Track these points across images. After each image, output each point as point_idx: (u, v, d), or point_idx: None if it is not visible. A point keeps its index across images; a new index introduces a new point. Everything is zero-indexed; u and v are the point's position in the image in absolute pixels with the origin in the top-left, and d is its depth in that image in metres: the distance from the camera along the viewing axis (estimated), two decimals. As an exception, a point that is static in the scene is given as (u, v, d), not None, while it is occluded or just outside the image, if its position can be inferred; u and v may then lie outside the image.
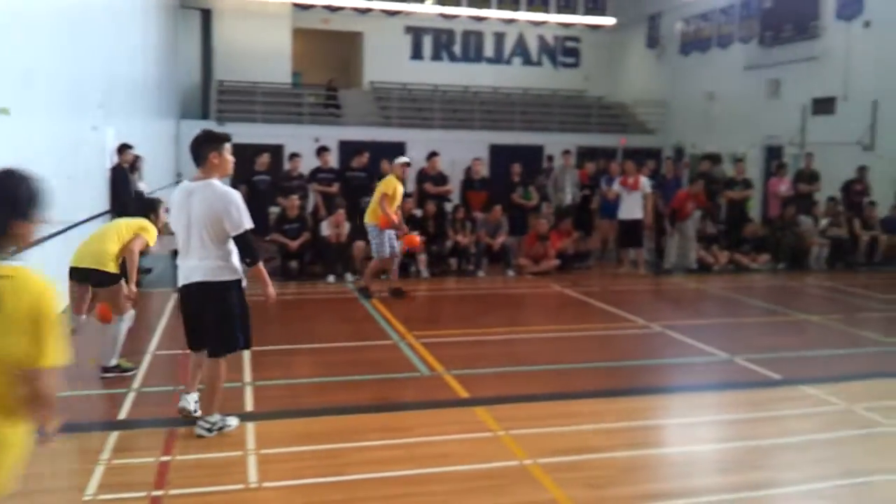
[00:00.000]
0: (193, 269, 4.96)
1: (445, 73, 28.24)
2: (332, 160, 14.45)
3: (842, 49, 18.83)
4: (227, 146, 5.05)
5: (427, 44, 28.68)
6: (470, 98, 27.17)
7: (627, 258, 13.15)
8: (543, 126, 25.62)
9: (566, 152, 14.99)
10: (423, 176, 13.12)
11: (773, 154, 20.80)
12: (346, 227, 11.53)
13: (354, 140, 22.04)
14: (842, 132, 18.42)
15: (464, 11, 28.05)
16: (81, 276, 6.36)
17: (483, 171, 13.58)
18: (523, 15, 28.69)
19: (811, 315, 9.67)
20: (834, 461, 4.89)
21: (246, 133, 19.10)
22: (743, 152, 20.05)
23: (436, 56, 28.82)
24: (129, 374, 6.42)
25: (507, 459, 4.77)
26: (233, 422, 5.18)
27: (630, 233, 12.84)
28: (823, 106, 19.47)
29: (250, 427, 5.24)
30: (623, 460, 4.82)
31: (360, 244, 11.43)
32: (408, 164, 10.31)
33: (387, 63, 27.71)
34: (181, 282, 5.06)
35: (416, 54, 28.58)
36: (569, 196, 14.21)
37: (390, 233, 10.12)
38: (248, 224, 4.93)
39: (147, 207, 6.79)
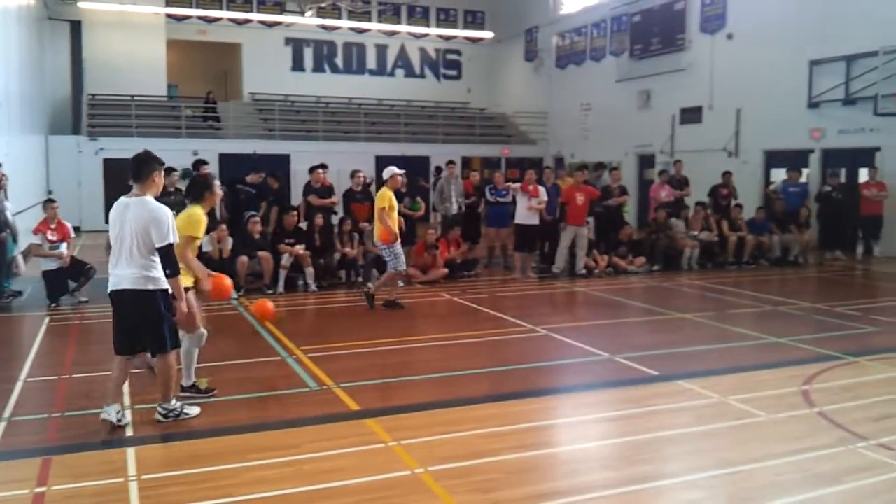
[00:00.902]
0: (123, 276, 5.34)
1: (328, 84, 28.13)
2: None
3: (707, 61, 19.92)
4: (162, 170, 5.54)
5: (308, 55, 28.48)
6: (354, 110, 27.14)
7: (519, 263, 13.42)
8: (428, 137, 25.88)
9: (450, 163, 15.08)
10: (307, 188, 12.98)
11: (646, 162, 21.74)
12: (228, 242, 11.25)
13: (235, 153, 21.62)
14: (708, 139, 19.47)
15: (344, 24, 28.00)
16: None
17: (363, 181, 13.49)
18: (404, 28, 28.93)
19: (686, 313, 10.14)
20: (710, 452, 5.14)
21: (120, 148, 18.45)
22: (618, 161, 20.83)
23: (318, 68, 28.66)
24: (207, 395, 6.17)
25: (399, 470, 4.78)
26: (193, 411, 5.65)
27: (526, 237, 13.14)
28: (691, 115, 20.54)
29: (131, 452, 5.04)
30: (512, 463, 4.91)
31: (243, 259, 11.19)
32: (400, 174, 10.53)
33: (267, 75, 27.35)
34: (111, 287, 5.41)
35: (298, 66, 28.33)
36: (454, 206, 14.30)
37: (399, 245, 10.39)
38: (172, 238, 5.34)
39: (202, 188, 6.27)
